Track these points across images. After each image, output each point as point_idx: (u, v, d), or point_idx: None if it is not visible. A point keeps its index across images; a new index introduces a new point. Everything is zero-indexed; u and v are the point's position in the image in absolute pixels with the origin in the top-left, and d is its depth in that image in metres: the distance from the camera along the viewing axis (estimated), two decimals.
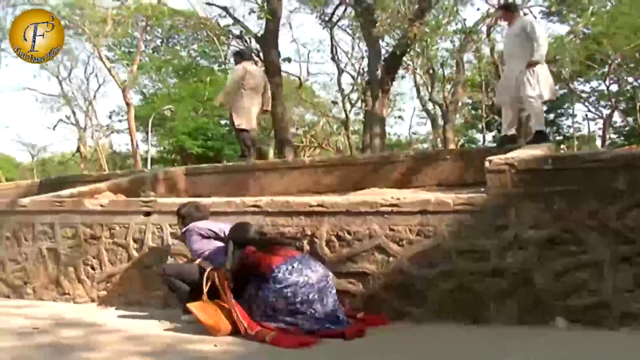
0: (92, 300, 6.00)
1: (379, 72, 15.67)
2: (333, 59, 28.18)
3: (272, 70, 15.72)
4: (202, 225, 5.11)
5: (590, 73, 30.86)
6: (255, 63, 12.12)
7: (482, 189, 4.90)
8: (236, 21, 18.33)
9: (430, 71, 29.55)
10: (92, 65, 34.62)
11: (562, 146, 30.19)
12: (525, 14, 10.99)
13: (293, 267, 4.48)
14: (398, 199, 4.93)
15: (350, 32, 27.61)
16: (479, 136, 42.30)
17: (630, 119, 36.17)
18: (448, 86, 30.24)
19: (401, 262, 4.78)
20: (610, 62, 28.76)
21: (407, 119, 52.61)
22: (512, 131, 7.75)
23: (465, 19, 23.47)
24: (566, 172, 4.49)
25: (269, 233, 5.06)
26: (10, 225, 6.53)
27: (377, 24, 16.07)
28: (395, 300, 4.77)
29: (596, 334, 4.11)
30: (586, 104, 36.39)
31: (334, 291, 4.61)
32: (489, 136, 38.92)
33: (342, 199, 5.24)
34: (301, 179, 7.98)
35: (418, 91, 32.22)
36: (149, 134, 34.26)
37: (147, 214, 5.93)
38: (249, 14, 18.37)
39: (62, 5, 25.32)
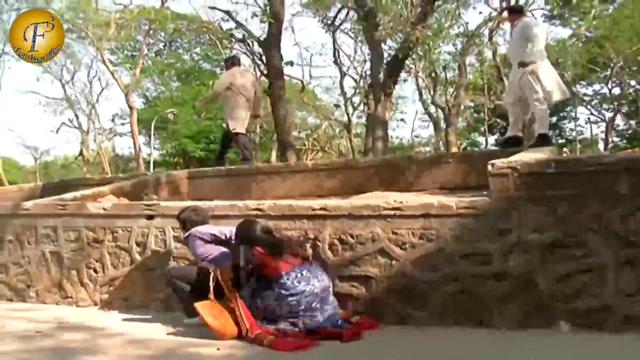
0: (95, 304, 6.01)
1: (381, 76, 15.64)
2: (335, 62, 28.27)
3: (275, 73, 15.74)
4: (203, 230, 5.11)
5: (592, 76, 30.82)
6: (257, 67, 12.17)
7: (485, 193, 4.90)
8: (239, 25, 18.35)
9: (433, 74, 29.57)
10: (95, 68, 34.67)
11: (564, 149, 30.14)
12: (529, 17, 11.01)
13: (302, 274, 4.51)
14: (401, 202, 4.93)
15: (352, 35, 27.72)
16: (481, 139, 42.39)
17: (632, 122, 36.18)
18: (450, 89, 30.29)
19: (404, 265, 4.77)
20: (612, 65, 28.75)
21: (409, 122, 52.47)
22: (516, 132, 7.75)
23: (467, 23, 23.63)
24: (569, 176, 4.48)
25: (275, 231, 5.03)
26: (13, 229, 6.54)
27: (379, 28, 16.08)
28: (398, 303, 4.76)
29: (599, 337, 4.10)
30: (588, 107, 36.37)
31: (332, 297, 4.66)
32: (492, 139, 38.96)
33: (344, 203, 5.24)
34: (303, 182, 7.98)
35: (420, 94, 32.26)
36: (152, 137, 34.31)
37: (150, 217, 5.94)
38: (252, 17, 18.43)
39: (65, 8, 25.37)
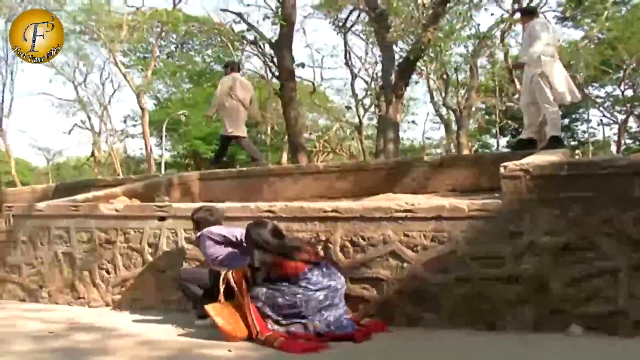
0: (107, 305, 6.04)
1: (392, 77, 15.64)
2: (347, 64, 28.23)
3: (286, 75, 15.78)
4: (215, 231, 5.13)
5: (605, 78, 30.66)
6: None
7: (497, 195, 4.88)
8: (250, 27, 18.41)
9: (444, 76, 29.47)
10: (108, 70, 34.88)
11: (576, 151, 29.97)
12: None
13: (323, 271, 4.54)
14: (412, 204, 4.92)
15: (363, 37, 27.65)
16: (492, 141, 42.24)
17: None
18: (462, 91, 30.20)
19: (415, 267, 4.76)
20: (625, 67, 28.62)
21: (420, 124, 52.58)
22: (530, 134, 7.71)
23: (479, 24, 23.46)
24: (582, 178, 4.46)
25: (286, 233, 5.02)
26: (26, 230, 6.59)
27: (390, 30, 16.06)
28: (409, 306, 4.75)
29: (611, 341, 4.07)
30: (601, 109, 36.15)
31: (343, 298, 4.67)
32: (503, 141, 38.83)
33: (356, 205, 5.23)
34: (315, 184, 7.99)
35: (432, 96, 32.23)
36: (163, 138, 34.46)
37: (162, 218, 5.96)
38: (263, 19, 18.48)
39: (78, 11, 25.52)
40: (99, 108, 36.76)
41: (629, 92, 33.33)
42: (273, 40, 16.87)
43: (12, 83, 32.48)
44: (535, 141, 7.69)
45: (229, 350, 4.14)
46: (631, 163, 4.43)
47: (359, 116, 32.44)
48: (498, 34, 22.53)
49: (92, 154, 37.93)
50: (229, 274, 4.67)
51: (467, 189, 6.98)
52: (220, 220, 5.37)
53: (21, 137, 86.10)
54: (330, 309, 4.47)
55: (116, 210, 6.23)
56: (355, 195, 7.11)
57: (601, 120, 38.03)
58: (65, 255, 6.32)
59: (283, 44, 15.90)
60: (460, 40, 20.67)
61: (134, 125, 39.05)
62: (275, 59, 16.88)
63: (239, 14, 18.56)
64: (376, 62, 28.21)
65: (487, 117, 37.29)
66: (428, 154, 37.92)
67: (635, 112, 35.00)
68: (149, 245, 5.94)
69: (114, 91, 38.31)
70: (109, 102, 36.84)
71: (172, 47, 32.26)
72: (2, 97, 31.35)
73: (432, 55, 20.91)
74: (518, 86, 20.03)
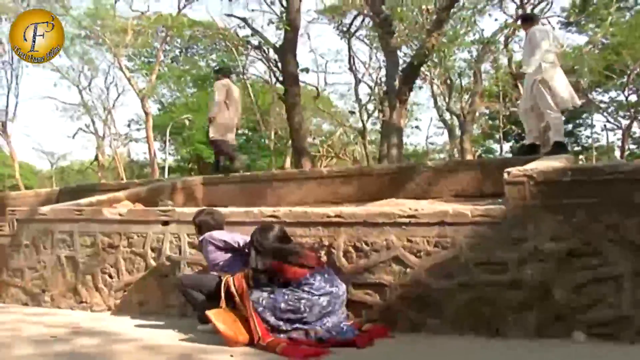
0: (109, 309, 6.03)
1: (396, 83, 15.65)
2: (350, 69, 28.34)
3: (290, 80, 15.82)
4: (216, 236, 5.12)
5: (609, 83, 30.60)
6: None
7: (501, 201, 4.87)
8: (255, 32, 18.46)
9: (448, 81, 29.54)
10: (112, 74, 34.90)
11: (580, 157, 29.94)
12: (543, 24, 10.99)
13: (325, 277, 4.53)
14: (416, 210, 4.91)
15: (368, 42, 27.77)
16: (496, 146, 42.20)
17: None
18: (465, 96, 30.22)
19: (418, 273, 4.75)
20: (629, 72, 28.57)
21: (424, 129, 52.55)
22: (532, 140, 7.72)
23: (483, 30, 23.55)
24: (586, 184, 4.44)
25: (291, 239, 5.00)
26: (29, 233, 6.59)
27: (395, 35, 16.10)
28: (412, 311, 4.74)
29: (615, 348, 4.05)
30: (605, 114, 36.11)
31: (343, 305, 4.66)
32: (507, 146, 38.78)
33: (360, 210, 5.22)
34: (318, 189, 7.99)
35: (435, 101, 32.26)
36: (167, 142, 34.50)
37: (165, 223, 5.96)
38: (268, 24, 18.66)
39: (83, 15, 25.63)
40: (103, 112, 36.84)
41: (633, 97, 33.29)
42: (277, 45, 16.93)
43: (17, 87, 32.48)
44: (538, 146, 7.70)
45: (231, 356, 4.12)
46: (635, 169, 4.41)
47: (362, 121, 32.50)
48: (502, 39, 22.61)
49: (96, 158, 38.01)
50: (230, 280, 4.66)
51: (471, 194, 6.98)
52: (221, 224, 5.36)
53: (25, 141, 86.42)
54: (330, 315, 4.46)
55: (119, 215, 6.23)
56: (359, 201, 7.11)
57: (605, 125, 37.98)
58: (68, 259, 6.32)
59: (287, 49, 15.94)
60: (464, 45, 20.71)
61: (138, 130, 39.27)
62: (279, 64, 16.95)
63: (244, 19, 18.65)
64: (380, 67, 28.31)
65: (490, 122, 37.29)
66: (431, 159, 38.01)
67: (639, 118, 34.96)
68: (152, 249, 5.94)
69: (118, 95, 38.55)
70: (113, 106, 36.91)
71: (177, 51, 32.48)
72: (7, 101, 31.47)
73: (436, 60, 21.00)
74: (522, 91, 20.02)
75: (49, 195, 10.09)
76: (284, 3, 17.05)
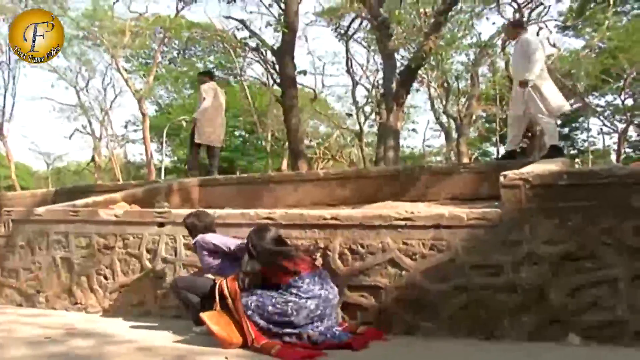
0: (104, 310, 6.02)
1: (393, 85, 15.67)
2: (348, 71, 28.33)
3: (288, 82, 15.82)
4: (208, 239, 5.09)
5: (605, 87, 30.68)
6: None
7: (497, 204, 4.87)
8: (253, 34, 18.47)
9: (445, 84, 29.56)
10: (110, 75, 34.81)
11: (576, 160, 29.96)
12: (540, 28, 11.05)
13: (315, 279, 4.49)
14: (412, 212, 4.91)
15: (365, 45, 27.80)
16: (492, 149, 42.20)
17: None
18: (462, 99, 30.27)
19: (414, 276, 4.75)
20: (625, 76, 28.63)
21: (421, 131, 52.62)
22: (512, 147, 7.82)
23: (480, 33, 23.52)
24: (582, 188, 4.45)
25: (287, 241, 4.98)
26: (25, 234, 6.58)
27: (392, 38, 16.11)
28: (408, 314, 4.73)
29: (611, 351, 4.05)
30: (601, 118, 36.10)
31: (335, 309, 4.64)
32: (503, 150, 38.77)
33: (356, 212, 5.22)
34: (315, 191, 7.98)
35: (432, 104, 32.28)
36: (164, 144, 34.47)
37: (161, 224, 5.95)
38: (266, 26, 18.59)
39: (81, 16, 25.60)
40: (100, 113, 36.74)
41: (629, 101, 33.35)
42: (275, 47, 16.94)
43: (14, 87, 32.43)
44: (516, 154, 7.80)
45: (226, 358, 4.12)
46: (631, 173, 4.42)
47: (359, 123, 32.48)
48: (499, 42, 22.60)
49: (93, 159, 37.91)
50: (223, 283, 4.65)
51: (467, 197, 6.98)
52: (209, 225, 5.31)
53: (22, 142, 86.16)
54: (322, 319, 4.41)
55: (115, 216, 6.22)
56: (355, 203, 7.10)
57: (601, 129, 38.09)
58: (64, 260, 6.30)
59: (285, 51, 15.94)
60: (462, 48, 20.75)
61: (135, 131, 39.17)
62: (277, 66, 16.96)
63: (242, 21, 18.63)
64: (377, 70, 28.32)
65: (487, 125, 37.31)
66: (428, 161, 38.03)
67: (635, 122, 34.98)
68: (148, 251, 5.93)
69: (116, 96, 38.26)
70: (110, 107, 36.80)
71: (175, 53, 32.40)
72: (4, 101, 31.33)
73: (434, 63, 20.99)
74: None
75: (45, 196, 10.06)
76: (282, 5, 17.07)
